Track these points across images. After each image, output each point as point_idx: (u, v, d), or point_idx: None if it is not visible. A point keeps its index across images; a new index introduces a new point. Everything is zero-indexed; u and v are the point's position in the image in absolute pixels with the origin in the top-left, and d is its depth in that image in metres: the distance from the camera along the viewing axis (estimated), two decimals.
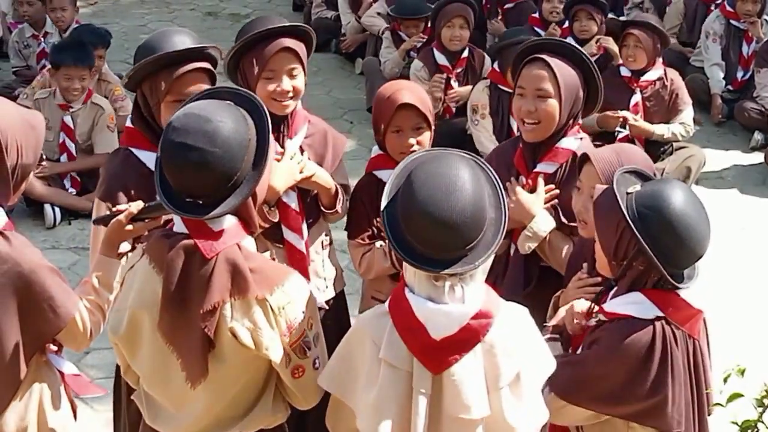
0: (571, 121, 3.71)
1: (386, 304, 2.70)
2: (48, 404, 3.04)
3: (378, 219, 3.72)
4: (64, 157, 6.86)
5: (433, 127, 3.71)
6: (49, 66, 7.09)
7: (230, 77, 3.68)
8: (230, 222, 2.73)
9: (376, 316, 2.71)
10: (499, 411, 2.63)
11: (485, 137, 6.74)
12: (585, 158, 3.31)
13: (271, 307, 2.69)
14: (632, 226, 2.84)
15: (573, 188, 3.43)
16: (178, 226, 2.75)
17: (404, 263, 2.65)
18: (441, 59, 7.46)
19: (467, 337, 2.60)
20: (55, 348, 3.08)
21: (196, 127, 2.62)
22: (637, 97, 7.07)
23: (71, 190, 6.85)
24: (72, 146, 6.86)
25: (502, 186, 2.69)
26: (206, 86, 3.39)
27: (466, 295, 2.61)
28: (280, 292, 2.71)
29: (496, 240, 2.61)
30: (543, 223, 3.63)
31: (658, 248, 2.84)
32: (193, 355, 2.71)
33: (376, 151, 3.81)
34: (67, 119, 6.83)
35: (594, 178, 3.23)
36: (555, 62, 3.65)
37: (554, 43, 3.83)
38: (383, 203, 2.65)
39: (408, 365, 2.61)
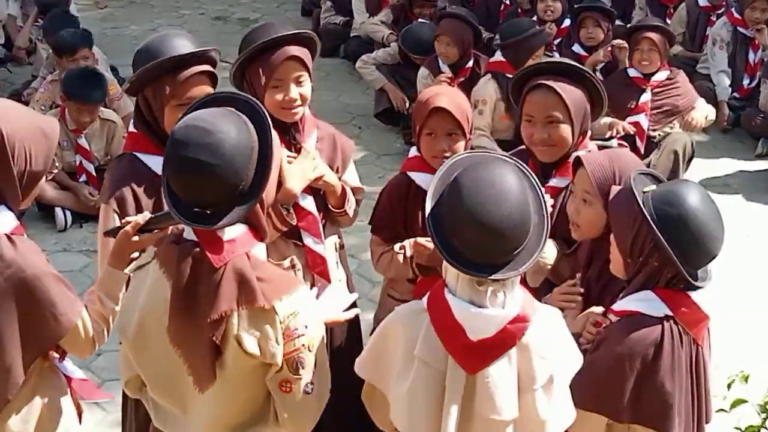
0: (581, 137, 3.71)
1: (424, 301, 2.73)
2: (51, 409, 3.04)
3: (405, 219, 3.74)
4: (83, 178, 6.87)
5: (470, 137, 3.70)
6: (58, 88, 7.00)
7: (236, 86, 3.67)
8: (240, 230, 2.73)
9: (413, 312, 2.74)
10: (532, 409, 2.67)
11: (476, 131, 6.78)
12: (578, 162, 3.34)
13: (278, 315, 2.69)
14: (649, 219, 2.88)
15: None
16: (188, 232, 2.76)
17: (444, 265, 2.69)
18: (444, 67, 7.48)
19: (504, 340, 2.64)
20: (57, 355, 3.07)
21: (199, 140, 2.61)
22: (646, 96, 7.16)
23: (93, 191, 6.78)
24: (90, 167, 6.86)
25: (543, 191, 2.74)
26: (209, 89, 3.40)
27: (507, 300, 2.65)
28: (288, 300, 2.71)
29: (539, 246, 2.66)
30: (548, 252, 3.60)
31: (674, 245, 2.87)
32: (200, 361, 2.72)
33: (413, 152, 3.82)
34: (82, 141, 6.82)
35: (586, 182, 3.26)
36: (560, 86, 3.61)
37: (552, 64, 3.80)
38: (428, 207, 2.69)
39: (442, 364, 2.65)
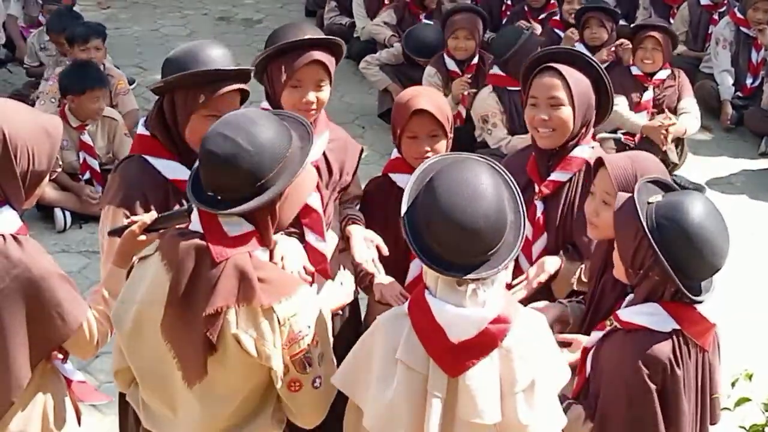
0: (583, 129, 3.72)
1: (405, 305, 2.71)
2: (52, 411, 3.03)
3: (386, 220, 3.73)
4: (87, 175, 6.85)
5: (450, 136, 3.70)
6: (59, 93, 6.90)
7: (257, 77, 3.65)
8: (246, 231, 2.73)
9: (395, 317, 2.72)
10: (513, 414, 2.63)
11: (503, 142, 6.75)
12: (600, 163, 3.33)
13: (277, 317, 2.67)
14: (649, 236, 2.86)
15: (586, 196, 3.44)
16: (194, 225, 2.76)
17: (424, 267, 2.66)
18: (451, 65, 7.48)
19: (485, 342, 2.61)
20: (60, 356, 3.07)
21: (240, 123, 2.69)
22: (649, 95, 7.30)
23: (97, 187, 6.77)
24: (95, 163, 6.85)
25: (519, 189, 2.72)
26: (238, 104, 3.40)
27: (487, 299, 2.62)
28: (288, 302, 2.69)
29: (517, 243, 2.65)
30: (550, 265, 3.63)
31: (674, 260, 2.85)
32: (191, 356, 2.71)
33: (395, 153, 3.81)
34: (86, 138, 6.80)
35: (607, 183, 3.25)
36: (566, 70, 3.67)
37: (563, 52, 3.85)
38: (403, 209, 2.67)
39: (424, 368, 2.62)
